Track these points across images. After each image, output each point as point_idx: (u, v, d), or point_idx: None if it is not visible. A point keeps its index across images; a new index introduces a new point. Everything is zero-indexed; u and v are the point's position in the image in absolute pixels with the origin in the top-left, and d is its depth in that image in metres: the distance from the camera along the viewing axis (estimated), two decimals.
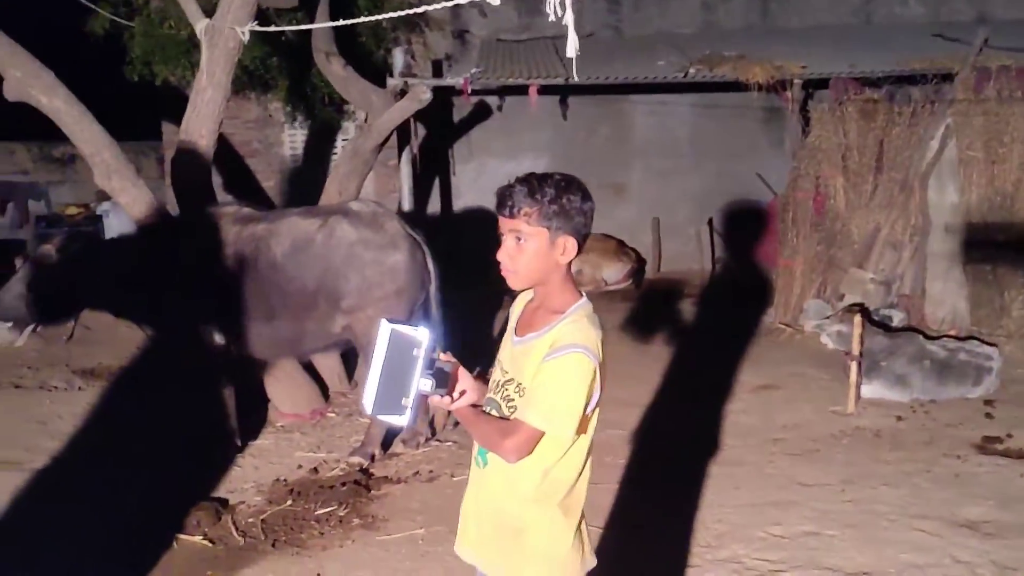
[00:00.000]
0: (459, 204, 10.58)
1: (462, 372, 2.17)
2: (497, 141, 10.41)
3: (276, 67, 8.59)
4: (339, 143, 10.15)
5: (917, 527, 4.20)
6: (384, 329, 2.06)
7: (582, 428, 2.15)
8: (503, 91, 9.76)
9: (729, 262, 10.36)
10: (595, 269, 9.75)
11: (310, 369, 6.04)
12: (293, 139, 10.40)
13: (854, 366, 5.91)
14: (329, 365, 6.21)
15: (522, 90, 8.26)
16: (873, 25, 10.48)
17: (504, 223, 2.14)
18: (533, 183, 2.11)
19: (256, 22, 5.42)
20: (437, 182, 10.54)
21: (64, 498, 4.58)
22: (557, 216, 2.09)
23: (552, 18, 2.40)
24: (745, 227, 9.88)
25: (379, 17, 5.38)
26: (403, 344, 2.06)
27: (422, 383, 2.05)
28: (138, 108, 9.65)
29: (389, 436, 5.27)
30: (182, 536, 4.16)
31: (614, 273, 9.82)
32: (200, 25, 5.44)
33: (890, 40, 9.23)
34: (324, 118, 9.56)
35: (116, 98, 8.23)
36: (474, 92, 9.30)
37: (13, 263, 7.94)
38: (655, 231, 10.72)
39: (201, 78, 5.47)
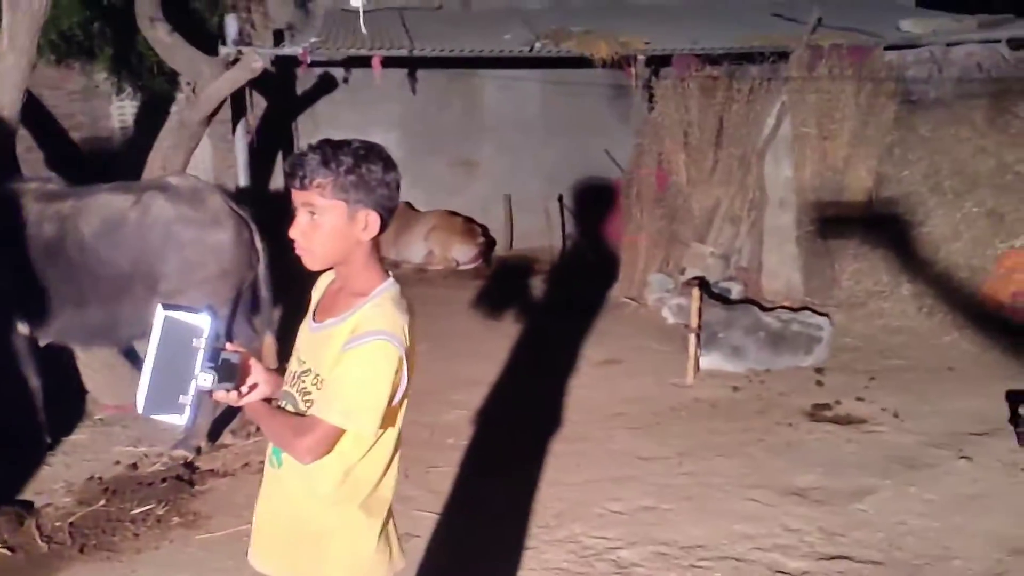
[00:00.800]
0: None
1: (253, 363, 1.97)
2: (344, 114, 10.05)
3: (99, 33, 7.98)
4: (172, 114, 9.57)
5: (750, 497, 4.28)
6: (158, 316, 1.84)
7: (388, 421, 1.97)
8: (349, 63, 9.43)
9: (579, 238, 10.41)
10: (445, 249, 9.59)
11: (134, 357, 5.64)
12: (122, 112, 9.72)
13: (692, 338, 6.01)
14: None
15: (369, 62, 7.98)
16: (718, 3, 10.69)
17: (296, 196, 1.93)
18: (327, 151, 1.89)
19: None
20: (280, 157, 10.11)
21: None
22: (355, 188, 1.89)
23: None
24: (594, 203, 9.93)
25: None
26: (181, 333, 1.84)
27: (202, 377, 1.83)
28: None
29: (217, 425, 4.98)
30: None
31: (465, 252, 9.69)
32: None
33: (733, 18, 9.43)
34: (155, 89, 8.97)
35: None
36: (318, 63, 8.92)
37: None
38: (507, 208, 10.65)
39: (1, 42, 4.97)
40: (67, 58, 8.39)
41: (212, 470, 4.62)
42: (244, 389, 1.92)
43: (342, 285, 2.04)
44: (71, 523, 4.00)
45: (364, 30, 8.17)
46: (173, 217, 4.54)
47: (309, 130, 10.16)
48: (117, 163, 9.51)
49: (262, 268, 4.88)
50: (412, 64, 9.75)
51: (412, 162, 9.07)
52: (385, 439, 2.02)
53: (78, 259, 4.47)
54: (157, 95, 9.22)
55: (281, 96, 9.78)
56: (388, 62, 8.16)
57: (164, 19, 6.34)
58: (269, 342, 4.96)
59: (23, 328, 4.61)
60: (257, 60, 5.79)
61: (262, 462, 4.57)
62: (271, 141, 9.64)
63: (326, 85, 9.94)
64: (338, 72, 9.88)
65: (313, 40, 7.96)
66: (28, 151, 8.05)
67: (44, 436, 4.76)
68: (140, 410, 1.83)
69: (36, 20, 5.02)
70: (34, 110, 7.40)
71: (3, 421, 4.63)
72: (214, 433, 4.94)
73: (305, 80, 9.88)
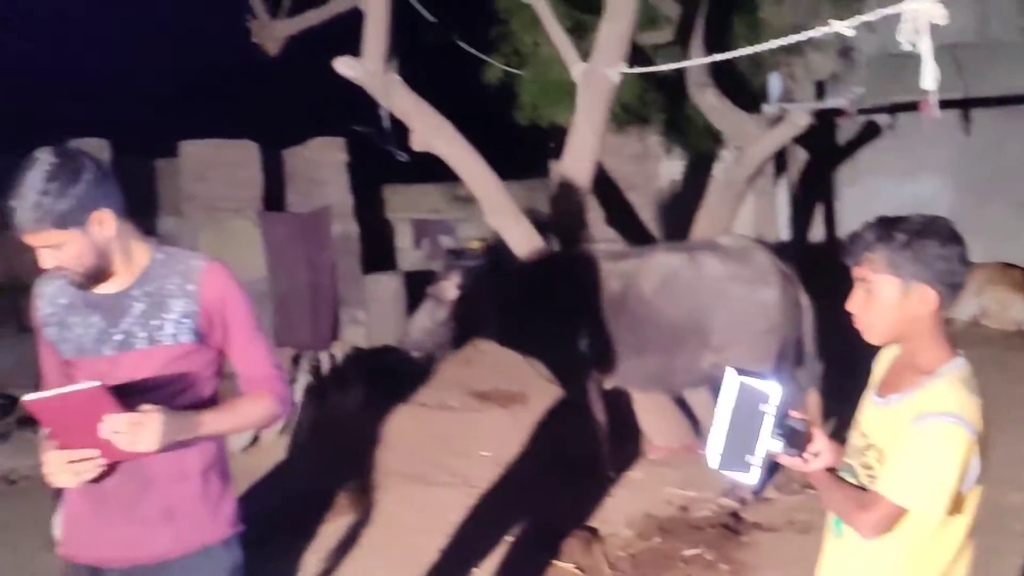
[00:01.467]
0: (843, 230, 9.96)
1: (816, 431, 2.02)
2: (888, 161, 9.64)
3: (653, 102, 8.73)
4: (717, 173, 10.08)
5: None
6: (731, 380, 1.98)
7: (956, 508, 1.89)
8: (895, 108, 9.05)
9: None
10: (1003, 307, 8.57)
11: (681, 403, 6.03)
12: (671, 171, 10.52)
13: None
14: (700, 400, 6.14)
15: (916, 106, 7.58)
16: None
17: (854, 271, 1.96)
18: (882, 226, 1.90)
19: (629, 63, 5.56)
20: (820, 209, 10.03)
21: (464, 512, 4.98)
22: (910, 262, 1.85)
23: (906, 46, 2.17)
24: None
25: (758, 48, 5.21)
26: (751, 398, 1.96)
27: (771, 442, 1.94)
28: (530, 149, 10.37)
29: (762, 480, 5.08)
30: (557, 563, 4.33)
31: None
32: (576, 68, 5.72)
33: None
34: (701, 149, 9.55)
35: (509, 140, 8.91)
36: (862, 111, 8.72)
37: (425, 289, 8.91)
38: None
39: (577, 118, 5.74)
40: (626, 125, 9.31)
41: (757, 523, 4.72)
42: (808, 456, 1.98)
43: (907, 360, 2.00)
44: (632, 554, 4.40)
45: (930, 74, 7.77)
46: (724, 275, 4.80)
47: (848, 178, 9.95)
48: (665, 219, 10.31)
49: (807, 324, 4.91)
50: (965, 104, 9.02)
51: (964, 209, 8.36)
52: (954, 526, 1.92)
53: (640, 312, 4.95)
54: (702, 154, 9.79)
55: (821, 146, 9.72)
56: (941, 103, 7.66)
57: (713, 84, 6.76)
58: (814, 398, 4.97)
59: (594, 371, 5.23)
60: (803, 117, 5.87)
61: (806, 521, 4.64)
62: (809, 191, 9.63)
63: (870, 133, 9.65)
64: (882, 118, 9.53)
65: (857, 90, 7.80)
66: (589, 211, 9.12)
67: (607, 470, 5.31)
68: (711, 465, 1.99)
69: (605, 98, 5.69)
70: (598, 175, 8.37)
71: (574, 453, 5.27)
72: (759, 487, 5.06)
73: (847, 129, 9.70)
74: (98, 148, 9.85)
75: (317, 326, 11.29)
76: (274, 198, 11.47)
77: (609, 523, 4.84)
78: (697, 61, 6.07)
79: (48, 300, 2.17)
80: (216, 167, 10.72)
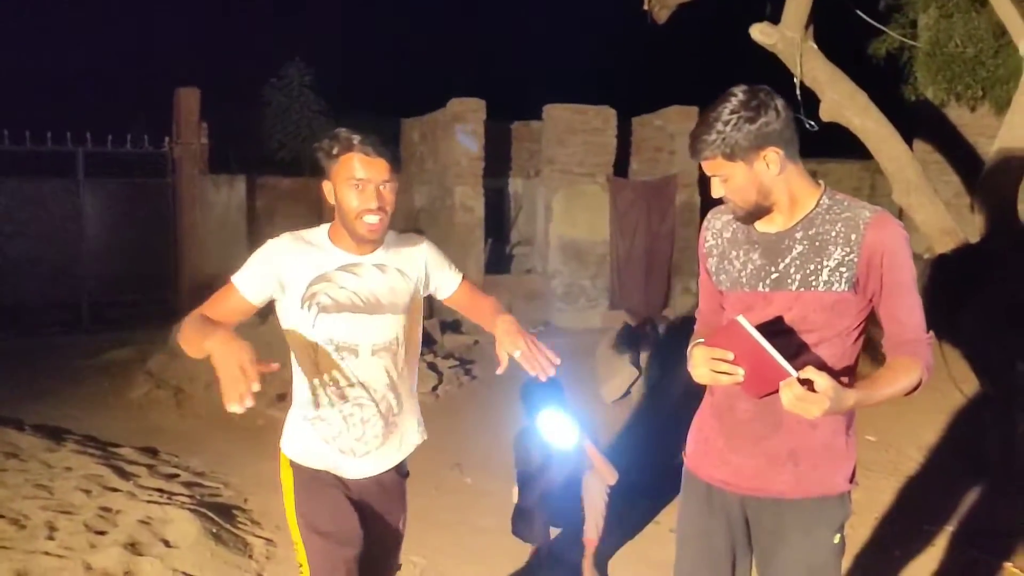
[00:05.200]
0: None
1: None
2: None
3: None
4: None
5: None
6: None
7: None
8: None
9: None
10: None
11: None
12: None
13: None
14: None
15: None
16: None
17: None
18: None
19: None
20: None
21: None
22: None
23: None
24: None
25: None
26: None
27: None
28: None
29: None
30: (1009, 565, 4.11)
31: None
32: None
33: None
34: None
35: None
36: None
37: None
38: None
39: (1021, 95, 5.32)
40: None
41: None
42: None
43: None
44: None
45: None
46: None
47: None
48: None
49: None
50: None
51: None
52: None
53: None
54: None
55: None
56: None
57: None
58: None
59: (1021, 367, 4.87)
60: None
61: None
62: None
63: None
64: None
65: None
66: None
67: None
68: None
69: None
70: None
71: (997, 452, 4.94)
72: None
73: None
74: (476, 107, 10.58)
75: (650, 292, 11.47)
76: (620, 164, 11.72)
77: None
78: None
79: (714, 232, 2.30)
80: (576, 132, 11.10)
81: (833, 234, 2.08)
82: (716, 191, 2.14)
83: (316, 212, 10.82)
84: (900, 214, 7.51)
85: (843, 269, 2.06)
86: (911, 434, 5.77)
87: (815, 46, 5.85)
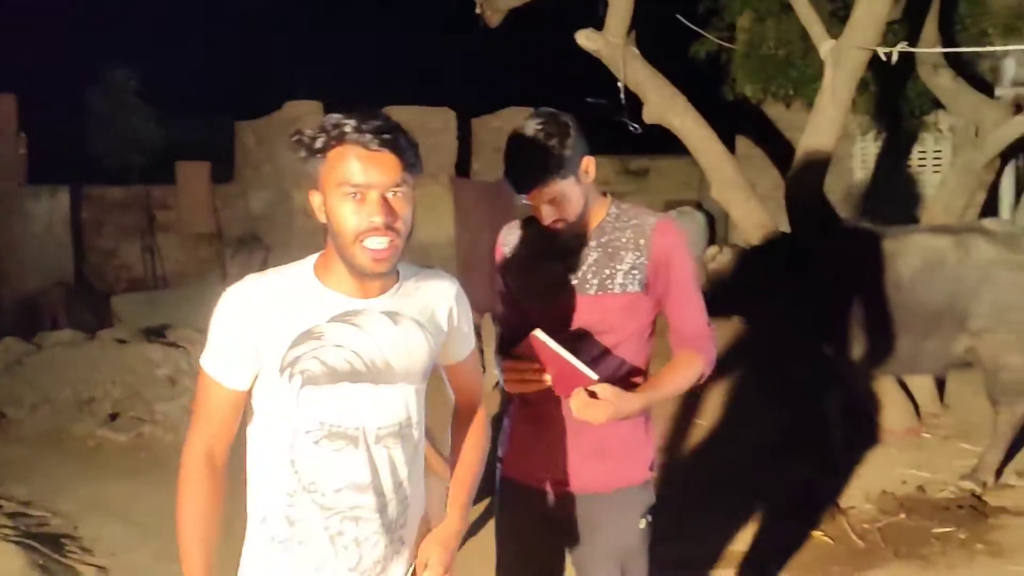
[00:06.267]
0: None
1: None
2: None
3: (861, 81, 8.56)
4: (914, 156, 9.83)
5: None
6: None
7: None
8: None
9: None
10: None
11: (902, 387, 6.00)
12: (864, 152, 10.31)
13: None
14: (922, 384, 6.10)
15: None
16: None
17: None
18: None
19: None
20: None
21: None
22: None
23: None
24: None
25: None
26: None
27: None
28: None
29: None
30: (814, 533, 4.45)
31: None
32: (825, 46, 5.68)
33: None
34: (907, 130, 9.31)
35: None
36: None
37: None
38: None
39: (823, 97, 5.71)
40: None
41: (1003, 507, 4.70)
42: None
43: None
44: (879, 528, 4.47)
45: None
46: (992, 259, 4.76)
47: None
48: (857, 201, 10.12)
49: None
50: None
51: None
52: None
53: (893, 294, 4.95)
54: (901, 137, 9.55)
55: None
56: None
57: (947, 66, 6.62)
58: None
59: (828, 351, 5.27)
60: None
61: None
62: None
63: None
64: None
65: None
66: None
67: (841, 448, 5.35)
68: None
69: (855, 77, 5.64)
70: (787, 151, 8.28)
71: (810, 431, 5.34)
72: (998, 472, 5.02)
73: None
74: (313, 110, 10.45)
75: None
76: (462, 165, 11.85)
77: (847, 497, 4.90)
78: (965, 50, 5.94)
79: (511, 248, 2.37)
80: (416, 133, 11.11)
81: (623, 240, 2.25)
82: (548, 216, 2.19)
83: (149, 222, 10.41)
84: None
85: (635, 272, 2.23)
86: (740, 417, 6.12)
87: (637, 51, 6.11)
